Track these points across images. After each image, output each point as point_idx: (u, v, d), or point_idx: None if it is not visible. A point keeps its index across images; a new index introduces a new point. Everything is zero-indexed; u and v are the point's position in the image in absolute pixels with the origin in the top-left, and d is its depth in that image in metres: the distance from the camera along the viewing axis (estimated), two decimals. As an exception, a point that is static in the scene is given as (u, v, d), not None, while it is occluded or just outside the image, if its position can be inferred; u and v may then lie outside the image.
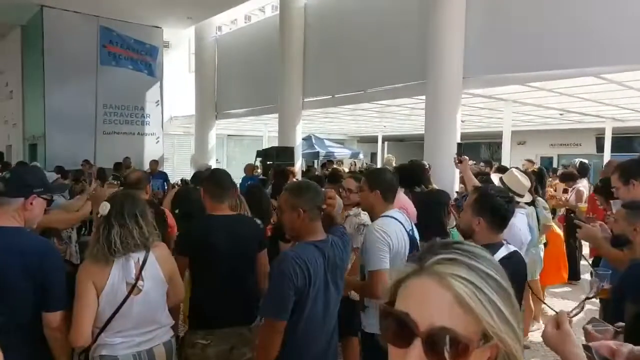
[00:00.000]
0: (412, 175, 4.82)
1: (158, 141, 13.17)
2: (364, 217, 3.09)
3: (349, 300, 2.55)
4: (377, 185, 2.43)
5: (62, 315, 1.86)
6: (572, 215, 5.27)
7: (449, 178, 6.68)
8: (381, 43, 8.81)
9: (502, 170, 5.00)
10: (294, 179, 9.63)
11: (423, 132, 7.81)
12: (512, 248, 2.01)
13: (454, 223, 4.51)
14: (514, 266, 1.92)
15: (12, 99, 13.47)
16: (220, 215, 2.51)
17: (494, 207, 1.95)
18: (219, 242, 2.40)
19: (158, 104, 13.14)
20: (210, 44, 13.57)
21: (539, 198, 4.07)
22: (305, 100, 10.85)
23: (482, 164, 8.25)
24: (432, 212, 3.07)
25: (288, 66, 10.59)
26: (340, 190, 3.80)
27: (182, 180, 8.13)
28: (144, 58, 12.55)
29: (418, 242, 2.44)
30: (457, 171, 7.33)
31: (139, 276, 1.97)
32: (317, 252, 1.87)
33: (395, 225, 2.33)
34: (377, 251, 2.23)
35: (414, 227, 2.48)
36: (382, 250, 2.23)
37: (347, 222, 3.14)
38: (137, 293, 1.96)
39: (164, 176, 9.71)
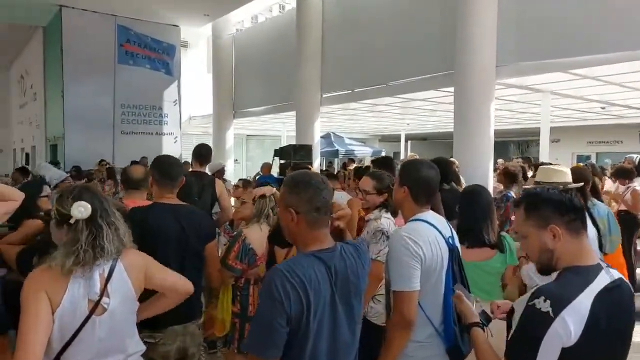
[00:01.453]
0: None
1: (176, 141, 12.97)
2: (385, 222, 2.62)
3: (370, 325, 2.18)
4: (407, 180, 1.95)
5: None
6: (626, 215, 4.66)
7: (482, 177, 6.13)
8: (404, 32, 8.32)
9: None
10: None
11: (448, 129, 7.30)
12: (615, 274, 1.38)
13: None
14: (617, 305, 1.33)
15: (36, 100, 13.55)
16: (166, 203, 2.38)
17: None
18: (163, 228, 2.26)
19: (176, 104, 12.95)
20: (227, 42, 13.32)
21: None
22: (324, 96, 10.44)
23: (519, 159, 7.66)
24: (473, 212, 2.56)
25: (305, 61, 10.20)
26: (357, 192, 3.34)
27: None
28: (161, 57, 12.40)
29: (459, 251, 1.96)
30: (491, 169, 6.81)
31: (103, 291, 1.58)
32: (319, 265, 1.42)
33: (429, 232, 1.83)
34: (404, 266, 1.75)
35: (454, 233, 1.98)
36: (411, 265, 1.74)
37: (365, 227, 2.68)
38: (100, 313, 1.57)
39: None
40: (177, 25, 12.55)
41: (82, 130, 10.93)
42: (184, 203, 2.51)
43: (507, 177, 4.70)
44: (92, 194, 1.70)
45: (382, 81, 9.02)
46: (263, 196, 2.99)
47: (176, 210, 2.36)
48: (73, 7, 10.68)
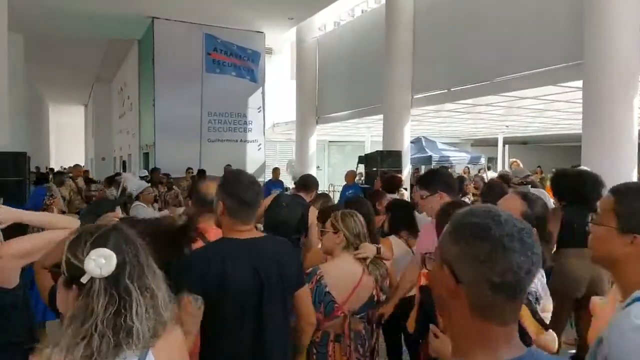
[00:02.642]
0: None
1: (260, 148, 12.84)
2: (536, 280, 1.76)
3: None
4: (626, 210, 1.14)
5: None
6: None
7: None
8: (515, 21, 7.18)
9: None
10: (403, 189, 8.42)
11: (553, 132, 6.01)
12: None
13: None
14: None
15: (132, 111, 14.30)
16: (238, 239, 1.76)
17: None
18: (233, 278, 1.65)
19: (260, 110, 12.83)
20: (311, 46, 12.96)
21: None
22: (415, 97, 9.53)
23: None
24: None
25: (395, 60, 9.40)
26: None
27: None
28: (246, 64, 12.36)
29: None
30: (636, 179, 5.46)
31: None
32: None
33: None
34: None
35: None
36: None
37: None
38: None
39: (281, 184, 9.19)
40: (261, 32, 12.44)
41: (171, 138, 11.16)
42: (263, 234, 1.91)
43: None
44: (124, 237, 1.11)
45: (485, 78, 7.90)
46: (345, 214, 2.40)
47: (252, 249, 1.75)
48: (164, 19, 10.96)
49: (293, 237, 3.70)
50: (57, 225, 1.83)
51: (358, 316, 2.31)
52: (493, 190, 3.58)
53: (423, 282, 1.88)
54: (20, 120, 14.60)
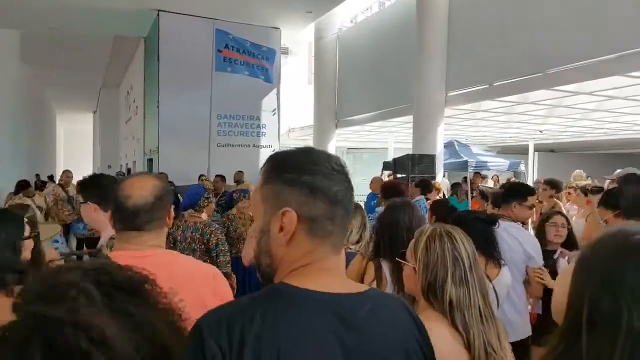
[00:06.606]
0: None
1: (274, 154, 11.81)
2: None
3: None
4: None
5: None
6: None
7: None
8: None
9: None
10: (438, 196, 7.28)
11: (586, 139, 4.87)
12: None
13: None
14: None
15: (137, 115, 13.43)
16: (319, 293, 0.79)
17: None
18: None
19: (275, 113, 11.82)
20: (330, 43, 11.97)
21: None
22: (449, 94, 8.42)
23: None
24: None
25: (427, 54, 8.32)
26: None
27: None
28: (260, 62, 11.35)
29: None
30: None
31: None
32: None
33: None
34: None
35: None
36: None
37: None
38: None
39: None
40: (277, 28, 11.50)
41: (177, 142, 10.20)
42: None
43: None
44: None
45: (537, 69, 6.77)
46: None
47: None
48: (171, 12, 10.08)
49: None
50: None
51: None
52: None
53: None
54: (18, 124, 13.83)
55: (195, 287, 1.33)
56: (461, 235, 1.45)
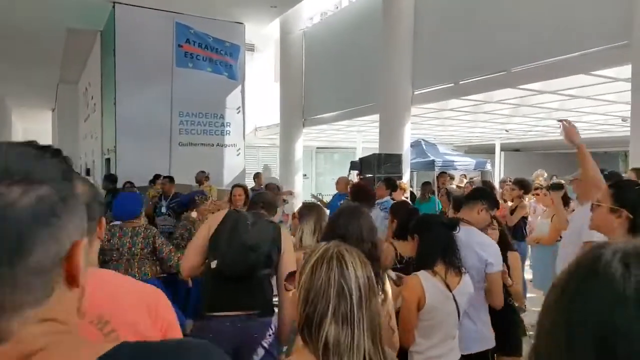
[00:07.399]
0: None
1: (239, 153, 11.43)
2: None
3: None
4: None
5: None
6: None
7: None
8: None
9: None
10: (404, 196, 7.14)
11: (550, 138, 4.86)
12: None
13: None
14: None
15: (95, 112, 12.78)
16: None
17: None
18: None
19: (239, 111, 11.44)
20: (297, 39, 11.70)
21: None
22: (416, 92, 8.31)
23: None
24: None
25: (393, 52, 8.19)
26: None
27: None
28: (224, 59, 10.97)
29: None
30: None
31: None
32: None
33: None
34: None
35: None
36: None
37: None
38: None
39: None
40: (241, 23, 11.12)
41: (135, 141, 9.68)
42: None
43: None
44: None
45: (502, 67, 6.72)
46: None
47: None
48: (127, 4, 9.56)
49: (260, 274, 2.36)
50: None
51: None
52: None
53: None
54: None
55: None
56: (357, 259, 1.17)
